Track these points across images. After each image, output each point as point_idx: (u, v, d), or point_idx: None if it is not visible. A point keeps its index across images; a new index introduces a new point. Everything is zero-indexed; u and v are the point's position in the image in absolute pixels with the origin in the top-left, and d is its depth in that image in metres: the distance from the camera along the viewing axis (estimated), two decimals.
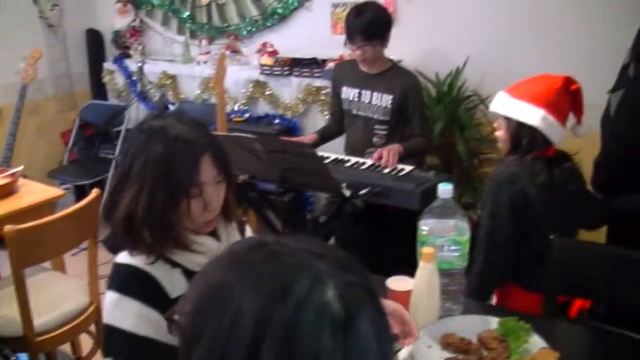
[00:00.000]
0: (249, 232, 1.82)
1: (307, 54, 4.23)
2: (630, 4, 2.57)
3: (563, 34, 3.68)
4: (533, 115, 2.15)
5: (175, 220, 1.49)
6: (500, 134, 2.29)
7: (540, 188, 2.12)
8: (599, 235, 2.73)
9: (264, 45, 4.49)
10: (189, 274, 1.52)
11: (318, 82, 4.12)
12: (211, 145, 1.51)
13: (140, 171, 1.45)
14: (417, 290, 1.74)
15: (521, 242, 2.20)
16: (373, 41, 3.15)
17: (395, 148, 3.13)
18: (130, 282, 1.50)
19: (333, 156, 3.21)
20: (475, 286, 2.13)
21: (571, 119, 2.29)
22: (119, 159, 1.54)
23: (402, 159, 3.16)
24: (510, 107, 2.21)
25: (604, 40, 3.46)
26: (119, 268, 1.52)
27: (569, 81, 2.19)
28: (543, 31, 3.74)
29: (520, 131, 2.19)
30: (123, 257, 1.52)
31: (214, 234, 1.61)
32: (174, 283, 1.51)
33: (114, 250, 1.56)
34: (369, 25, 3.12)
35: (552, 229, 2.13)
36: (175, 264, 1.52)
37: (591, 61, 3.51)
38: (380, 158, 3.09)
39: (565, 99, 2.18)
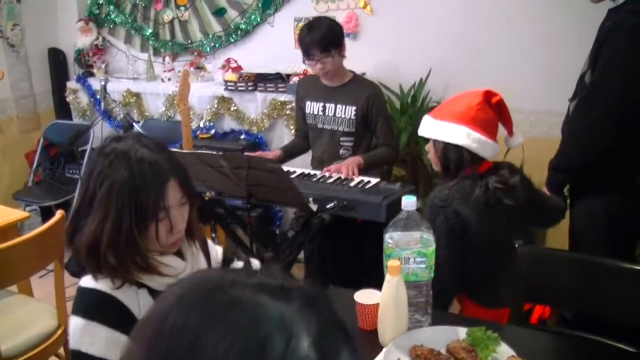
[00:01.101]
0: (212, 248, 1.82)
1: (271, 69, 4.23)
2: (589, 15, 2.62)
3: (523, 44, 3.74)
4: (456, 134, 2.16)
5: (142, 245, 1.49)
6: (430, 157, 2.33)
7: (473, 207, 2.13)
8: (563, 241, 2.77)
9: (228, 61, 4.49)
10: (155, 293, 1.52)
11: (283, 97, 4.13)
12: (175, 168, 1.52)
13: (105, 197, 1.45)
14: (384, 303, 1.75)
15: (467, 262, 2.20)
16: (331, 52, 3.18)
17: (354, 160, 3.16)
18: (96, 307, 1.48)
19: (299, 171, 3.21)
20: None
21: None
22: (80, 181, 1.53)
23: (367, 169, 3.18)
24: (434, 129, 2.24)
25: (564, 48, 3.52)
26: (83, 293, 1.51)
27: (489, 95, 2.21)
28: (503, 42, 3.80)
29: (447, 152, 2.22)
30: (87, 282, 1.50)
31: (178, 253, 1.61)
32: (141, 305, 1.50)
33: (77, 274, 1.55)
34: (324, 37, 3.16)
35: (498, 244, 2.14)
36: (140, 285, 1.51)
37: (552, 69, 3.57)
38: (338, 173, 3.11)
39: (488, 112, 2.20)
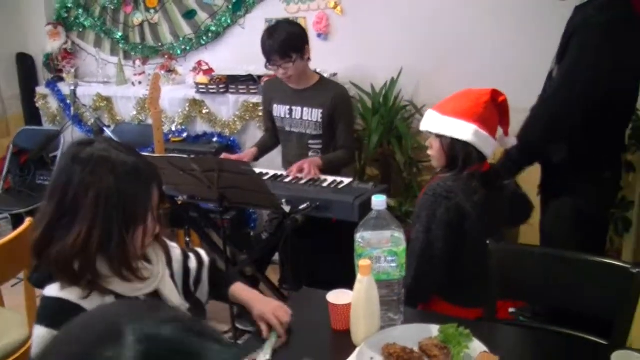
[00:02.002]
0: (173, 249, 1.81)
1: (242, 71, 4.22)
2: (556, 14, 2.65)
3: (493, 42, 3.77)
4: (465, 130, 2.15)
5: (131, 249, 1.49)
6: (433, 152, 2.29)
7: (475, 205, 2.14)
8: (534, 238, 2.79)
9: (199, 63, 4.47)
10: (122, 299, 1.50)
11: (255, 99, 4.11)
12: (154, 171, 1.54)
13: (92, 205, 1.42)
14: (356, 303, 1.75)
15: (458, 259, 2.21)
16: (292, 57, 3.15)
17: (313, 161, 3.17)
18: (62, 317, 1.44)
19: (272, 172, 3.21)
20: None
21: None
22: (51, 190, 1.49)
23: (325, 170, 3.18)
24: (441, 124, 2.21)
25: (532, 47, 3.56)
26: (49, 302, 1.48)
27: (495, 94, 2.21)
28: (473, 41, 3.83)
29: (454, 148, 2.20)
30: (52, 291, 1.48)
31: (144, 256, 1.61)
32: None
33: (40, 284, 1.52)
34: (284, 43, 3.12)
35: (483, 243, 2.15)
36: (106, 292, 1.49)
37: (521, 67, 3.60)
38: (301, 171, 3.11)
39: (493, 111, 2.20)
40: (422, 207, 2.21)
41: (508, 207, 2.29)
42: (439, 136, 2.24)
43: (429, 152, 2.32)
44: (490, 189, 2.16)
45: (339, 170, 3.33)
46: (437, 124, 2.23)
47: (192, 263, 1.90)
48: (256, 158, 3.47)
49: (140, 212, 1.47)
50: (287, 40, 3.13)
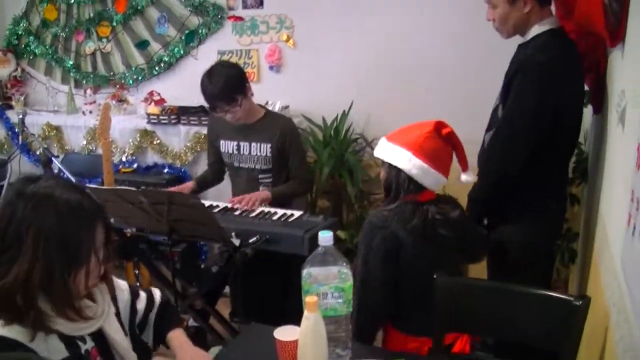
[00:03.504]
0: (118, 287, 1.78)
1: (194, 102, 4.19)
2: (501, 47, 2.72)
3: (441, 76, 3.85)
4: (400, 157, 2.18)
5: (74, 290, 1.46)
6: (381, 177, 2.34)
7: (410, 233, 2.16)
8: (482, 271, 2.82)
9: (151, 94, 4.45)
10: (65, 338, 1.49)
11: (206, 130, 4.08)
12: (99, 210, 1.52)
13: (34, 244, 1.40)
14: (303, 339, 1.74)
15: (398, 286, 2.23)
16: (237, 100, 3.11)
17: (259, 195, 3.16)
18: (3, 356, 1.42)
19: (222, 205, 3.18)
20: (354, 333, 2.12)
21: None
22: None
23: (277, 203, 3.18)
24: (385, 150, 2.25)
25: (477, 84, 3.64)
26: None
27: (439, 125, 2.23)
28: (421, 74, 3.91)
29: (389, 174, 2.24)
30: None
31: (88, 295, 1.58)
32: (51, 351, 1.46)
33: None
34: (226, 88, 3.07)
35: (425, 273, 2.17)
36: (51, 330, 1.46)
37: (469, 100, 3.68)
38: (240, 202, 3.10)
39: (437, 142, 2.21)
40: (361, 240, 2.24)
41: (459, 241, 2.29)
42: (383, 163, 2.28)
43: (380, 176, 2.36)
44: (427, 219, 2.18)
45: (291, 202, 3.32)
46: (382, 150, 2.27)
47: (141, 303, 1.86)
48: (195, 192, 3.39)
49: (83, 253, 1.45)
50: (228, 84, 3.08)
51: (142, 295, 1.89)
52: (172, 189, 3.36)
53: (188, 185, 3.45)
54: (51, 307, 1.44)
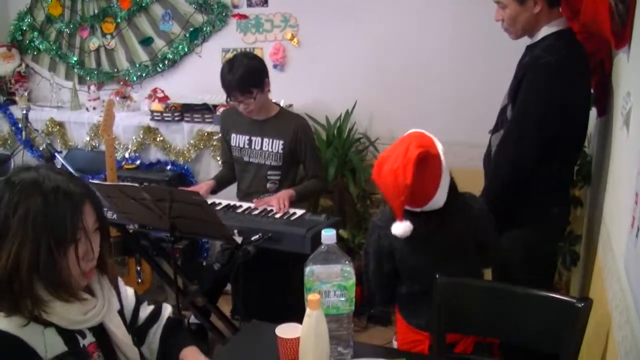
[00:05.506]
0: (123, 287, 1.79)
1: (198, 100, 4.21)
2: (505, 49, 2.71)
3: (445, 77, 3.84)
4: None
5: (64, 271, 1.45)
6: None
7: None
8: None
9: (155, 90, 4.45)
10: (63, 332, 1.48)
11: (209, 128, 4.11)
12: (88, 193, 1.51)
13: (20, 224, 1.40)
14: (305, 337, 1.74)
15: (401, 282, 2.31)
16: (252, 93, 3.13)
17: (286, 193, 3.14)
18: None
19: (225, 202, 3.18)
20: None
21: None
22: None
23: (298, 201, 3.18)
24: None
25: (484, 82, 3.63)
26: None
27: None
28: (426, 75, 3.90)
29: None
30: None
31: (87, 289, 1.57)
32: (47, 344, 1.45)
33: None
34: (244, 79, 3.09)
35: (425, 272, 2.17)
36: (48, 324, 1.46)
37: (473, 102, 3.67)
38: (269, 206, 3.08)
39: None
40: (368, 234, 2.40)
41: (451, 253, 2.28)
42: None
43: None
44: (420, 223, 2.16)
45: (298, 201, 3.31)
46: None
47: (144, 312, 1.85)
48: (214, 191, 3.40)
49: (69, 231, 1.44)
50: (246, 76, 3.10)
51: (148, 305, 1.87)
52: (191, 188, 3.35)
53: (208, 184, 3.43)
54: (46, 291, 1.44)
